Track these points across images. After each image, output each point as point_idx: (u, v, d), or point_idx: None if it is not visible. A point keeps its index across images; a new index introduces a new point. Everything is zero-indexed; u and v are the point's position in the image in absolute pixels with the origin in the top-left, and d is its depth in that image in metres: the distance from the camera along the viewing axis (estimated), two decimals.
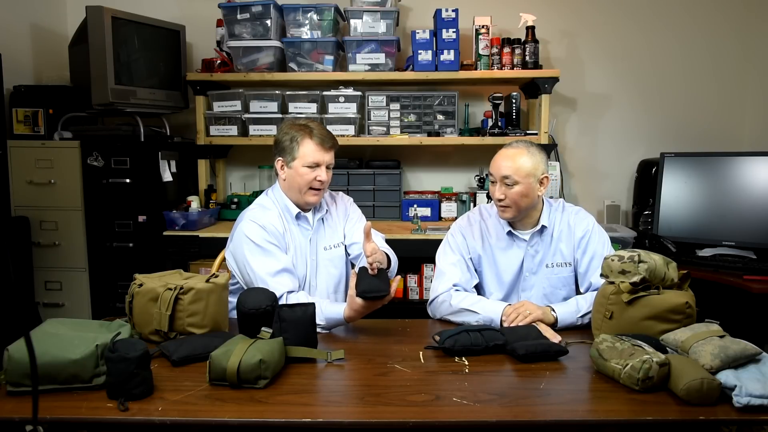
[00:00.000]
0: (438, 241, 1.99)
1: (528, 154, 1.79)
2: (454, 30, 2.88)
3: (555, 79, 2.89)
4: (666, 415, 1.18)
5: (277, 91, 3.03)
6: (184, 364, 1.40)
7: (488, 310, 1.73)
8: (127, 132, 2.90)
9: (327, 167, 1.87)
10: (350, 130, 3.01)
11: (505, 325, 1.67)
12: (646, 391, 1.25)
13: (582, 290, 1.87)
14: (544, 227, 1.86)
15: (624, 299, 1.48)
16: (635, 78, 3.26)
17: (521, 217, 1.85)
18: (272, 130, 2.99)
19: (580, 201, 3.30)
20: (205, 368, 1.31)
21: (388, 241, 2.04)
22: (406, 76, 2.96)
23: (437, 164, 3.35)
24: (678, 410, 1.19)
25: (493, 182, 1.83)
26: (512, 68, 2.93)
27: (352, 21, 2.93)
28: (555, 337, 1.57)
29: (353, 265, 2.01)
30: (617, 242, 2.70)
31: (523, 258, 1.87)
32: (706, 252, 2.58)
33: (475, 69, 2.96)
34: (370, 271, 1.61)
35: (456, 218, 2.44)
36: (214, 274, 1.63)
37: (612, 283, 1.52)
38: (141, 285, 1.55)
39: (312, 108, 3.02)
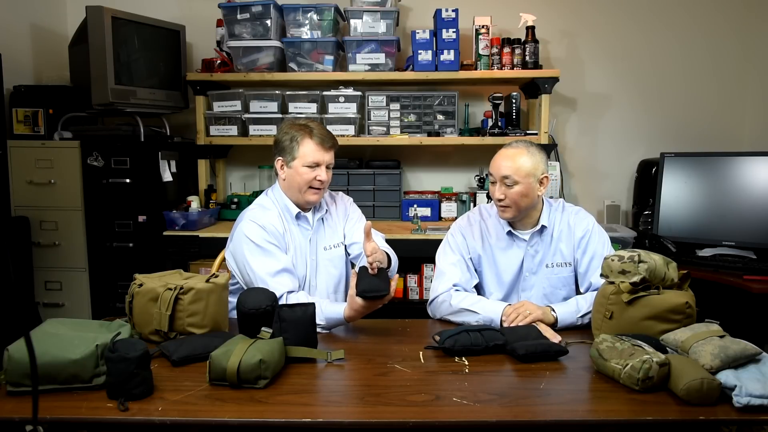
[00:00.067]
0: (438, 241, 1.99)
1: (528, 154, 1.79)
2: (454, 30, 2.88)
3: (555, 79, 2.89)
4: (666, 415, 1.18)
5: (277, 91, 3.03)
6: (184, 364, 1.40)
7: (488, 310, 1.73)
8: (127, 132, 2.90)
9: (327, 167, 1.87)
10: (350, 130, 3.01)
11: (505, 325, 1.67)
12: (646, 391, 1.25)
13: (582, 290, 1.87)
14: (544, 227, 1.86)
15: (624, 299, 1.48)
16: (635, 78, 3.26)
17: (521, 217, 1.85)
18: (272, 130, 2.99)
19: (580, 201, 3.30)
20: (205, 368, 1.31)
21: (388, 241, 2.04)
22: (406, 76, 2.96)
23: (437, 164, 3.35)
24: (678, 410, 1.19)
25: (493, 182, 1.83)
26: (512, 68, 2.93)
27: (352, 21, 2.93)
28: (555, 337, 1.57)
29: (353, 265, 2.01)
30: (617, 242, 2.70)
31: (523, 258, 1.87)
32: (706, 252, 2.58)
33: (475, 69, 2.96)
34: (370, 270, 1.61)
35: (456, 218, 2.43)
36: (214, 274, 1.63)
37: (612, 283, 1.52)
38: (141, 285, 1.55)
39: (312, 108, 3.02)
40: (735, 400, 1.18)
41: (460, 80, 3.02)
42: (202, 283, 1.55)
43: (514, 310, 1.69)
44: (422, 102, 3.06)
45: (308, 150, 1.83)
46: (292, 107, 3.02)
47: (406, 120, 3.07)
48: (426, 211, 3.09)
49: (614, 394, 1.27)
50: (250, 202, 2.04)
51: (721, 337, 1.33)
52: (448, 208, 3.09)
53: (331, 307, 1.69)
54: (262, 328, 1.41)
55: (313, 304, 1.53)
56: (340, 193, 2.12)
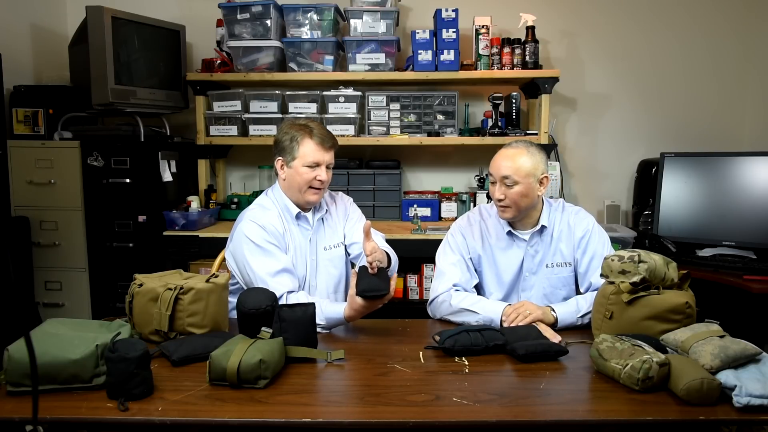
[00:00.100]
0: (438, 241, 1.99)
1: (528, 154, 1.79)
2: (454, 30, 2.88)
3: (555, 79, 2.89)
4: (666, 415, 1.18)
5: (277, 91, 3.03)
6: (184, 364, 1.40)
7: (488, 310, 1.73)
8: (127, 132, 2.90)
9: (327, 167, 1.87)
10: (350, 130, 3.01)
11: (505, 325, 1.67)
12: (646, 391, 1.25)
13: (582, 290, 1.87)
14: (543, 227, 1.86)
15: (624, 299, 1.48)
16: (635, 78, 3.26)
17: (521, 217, 1.84)
18: (272, 130, 2.99)
19: (580, 201, 3.30)
20: (205, 368, 1.31)
21: (388, 241, 2.04)
22: (406, 76, 2.96)
23: (437, 164, 3.35)
24: (678, 410, 1.19)
25: (492, 182, 1.83)
26: (512, 68, 2.93)
27: (352, 21, 2.93)
28: (555, 337, 1.57)
29: (353, 265, 2.01)
30: (617, 242, 2.70)
31: (522, 258, 1.87)
32: (706, 252, 2.58)
33: (475, 69, 2.96)
34: (369, 270, 1.61)
35: (456, 218, 2.43)
36: (214, 274, 1.63)
37: (612, 283, 1.52)
38: (141, 285, 1.55)
39: (312, 108, 3.02)
40: (735, 400, 1.18)
41: (460, 80, 3.02)
42: (202, 283, 1.55)
43: (514, 310, 1.69)
44: (422, 102, 3.06)
45: (308, 150, 1.83)
46: (292, 107, 3.02)
47: (406, 120, 3.07)
48: (426, 211, 3.09)
49: (614, 394, 1.27)
50: (250, 202, 2.04)
51: (721, 337, 1.33)
52: (448, 208, 3.09)
53: (331, 306, 1.69)
54: (262, 328, 1.41)
55: (313, 304, 1.53)
56: (340, 193, 2.12)
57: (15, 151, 2.81)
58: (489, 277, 1.91)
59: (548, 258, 1.87)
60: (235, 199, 3.12)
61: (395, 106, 3.05)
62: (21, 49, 3.02)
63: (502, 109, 3.00)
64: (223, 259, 2.02)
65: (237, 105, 3.03)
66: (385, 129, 3.06)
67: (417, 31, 2.92)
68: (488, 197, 2.40)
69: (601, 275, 1.59)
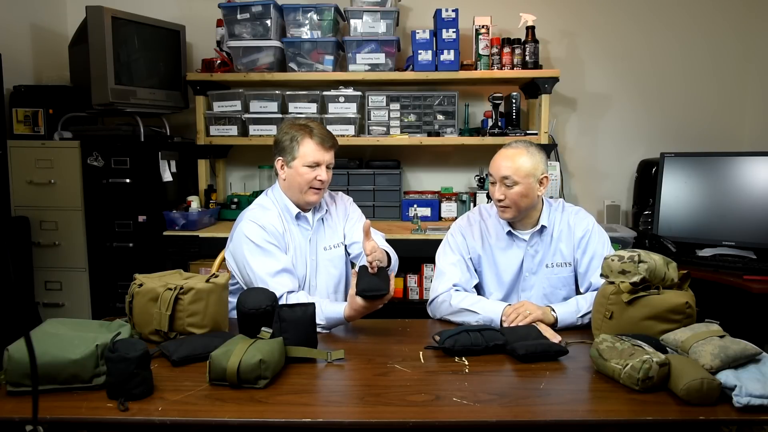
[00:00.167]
0: (438, 241, 1.99)
1: (527, 154, 1.79)
2: (454, 30, 2.88)
3: (555, 79, 2.89)
4: (666, 415, 1.18)
5: (277, 91, 3.03)
6: (184, 364, 1.40)
7: (488, 310, 1.73)
8: (127, 132, 2.90)
9: (327, 167, 1.87)
10: (350, 130, 3.01)
11: (505, 325, 1.67)
12: (646, 391, 1.25)
13: (582, 290, 1.87)
14: (543, 227, 1.86)
15: (624, 299, 1.48)
16: (635, 78, 3.26)
17: (521, 217, 1.84)
18: (272, 130, 2.99)
19: (580, 201, 3.30)
20: (205, 368, 1.31)
21: (388, 241, 2.04)
22: (406, 76, 2.96)
23: (437, 164, 3.35)
24: (678, 410, 1.19)
25: (492, 182, 1.83)
26: (512, 68, 2.93)
27: (352, 21, 2.93)
28: (555, 337, 1.57)
29: (353, 265, 2.01)
30: (617, 242, 2.70)
31: (522, 258, 1.87)
32: (706, 252, 2.58)
33: (475, 69, 2.96)
34: (369, 269, 1.61)
35: (456, 218, 2.43)
36: (214, 274, 1.63)
37: (612, 283, 1.52)
38: (141, 285, 1.55)
39: (312, 108, 3.02)
40: (735, 400, 1.18)
41: (460, 80, 3.02)
42: (202, 283, 1.55)
43: (514, 310, 1.69)
44: (422, 102, 3.06)
45: (308, 150, 1.83)
46: (292, 107, 3.02)
47: (406, 120, 3.07)
48: (426, 211, 3.09)
49: (614, 394, 1.27)
50: (250, 202, 2.04)
51: (721, 337, 1.33)
52: (448, 208, 3.09)
53: (331, 306, 1.68)
54: (262, 328, 1.41)
55: (313, 304, 1.53)
56: (340, 193, 2.12)
57: (15, 151, 2.81)
58: (489, 277, 1.91)
59: (548, 258, 1.87)
60: (235, 199, 3.12)
61: (395, 106, 3.05)
62: (21, 49, 3.02)
63: (502, 109, 3.00)
64: (223, 259, 2.02)
65: (237, 105, 3.03)
66: (385, 129, 3.06)
67: (417, 31, 2.92)
68: (488, 197, 2.40)
69: (601, 275, 1.59)
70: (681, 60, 3.23)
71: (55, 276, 2.88)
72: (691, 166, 2.64)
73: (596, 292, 1.62)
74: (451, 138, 3.02)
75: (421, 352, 1.51)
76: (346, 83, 3.00)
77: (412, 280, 2.94)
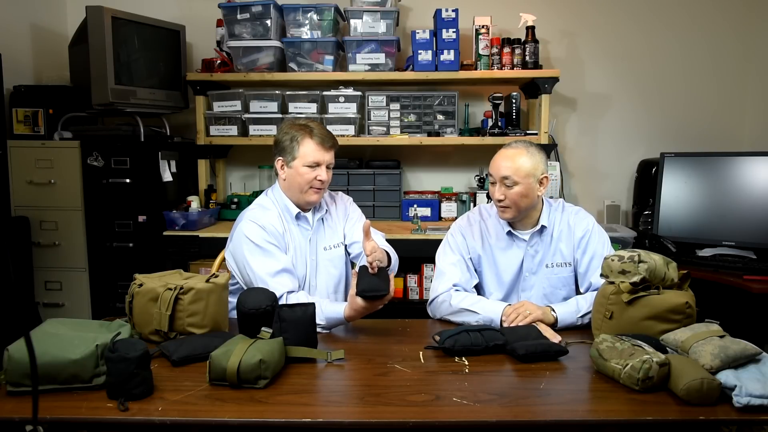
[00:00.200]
0: (438, 241, 1.99)
1: (527, 155, 1.78)
2: (454, 30, 2.88)
3: (555, 79, 2.89)
4: (666, 415, 1.18)
5: (277, 91, 3.03)
6: (184, 364, 1.40)
7: (488, 310, 1.73)
8: (127, 132, 2.90)
9: (327, 167, 1.87)
10: (350, 130, 3.01)
11: (505, 325, 1.67)
12: (646, 391, 1.25)
13: (582, 290, 1.87)
14: (543, 227, 1.86)
15: (624, 299, 1.48)
16: (635, 78, 3.26)
17: (521, 217, 1.84)
18: (272, 130, 2.99)
19: (580, 201, 3.30)
20: (205, 368, 1.31)
21: (389, 241, 2.04)
22: (406, 76, 2.96)
23: (437, 164, 3.35)
24: (678, 410, 1.19)
25: (492, 183, 1.83)
26: (512, 68, 2.93)
27: (352, 21, 2.93)
28: (555, 337, 1.57)
29: (354, 265, 2.01)
30: (617, 242, 2.70)
31: (522, 258, 1.87)
32: (706, 252, 2.58)
33: (475, 69, 2.96)
34: (370, 269, 1.61)
35: (456, 218, 2.43)
36: (214, 274, 1.63)
37: (612, 283, 1.52)
38: (141, 285, 1.55)
39: (312, 108, 3.02)
40: (735, 400, 1.18)
41: (460, 80, 3.02)
42: (202, 283, 1.55)
43: (514, 310, 1.69)
44: (422, 102, 3.06)
45: (308, 150, 1.83)
46: (292, 107, 3.02)
47: (406, 120, 3.07)
48: (426, 211, 3.09)
49: (614, 394, 1.27)
50: (250, 202, 2.04)
51: (721, 337, 1.33)
52: (448, 208, 3.09)
53: (331, 306, 1.68)
54: (262, 328, 1.41)
55: (313, 304, 1.53)
56: (340, 192, 2.12)
57: (15, 151, 2.81)
58: (489, 277, 1.91)
59: (548, 258, 1.87)
60: (235, 199, 3.12)
61: (395, 106, 3.05)
62: (21, 49, 3.02)
63: (502, 109, 3.00)
64: (223, 259, 2.02)
65: (237, 105, 3.03)
66: (385, 129, 3.06)
67: (417, 31, 2.92)
68: (488, 197, 2.40)
69: (601, 275, 1.59)
70: (681, 60, 3.23)
71: (55, 276, 2.88)
72: (691, 166, 2.64)
73: (596, 292, 1.62)
74: (451, 138, 3.02)
75: (421, 352, 1.51)
76: (346, 83, 3.00)
77: (412, 280, 2.94)
